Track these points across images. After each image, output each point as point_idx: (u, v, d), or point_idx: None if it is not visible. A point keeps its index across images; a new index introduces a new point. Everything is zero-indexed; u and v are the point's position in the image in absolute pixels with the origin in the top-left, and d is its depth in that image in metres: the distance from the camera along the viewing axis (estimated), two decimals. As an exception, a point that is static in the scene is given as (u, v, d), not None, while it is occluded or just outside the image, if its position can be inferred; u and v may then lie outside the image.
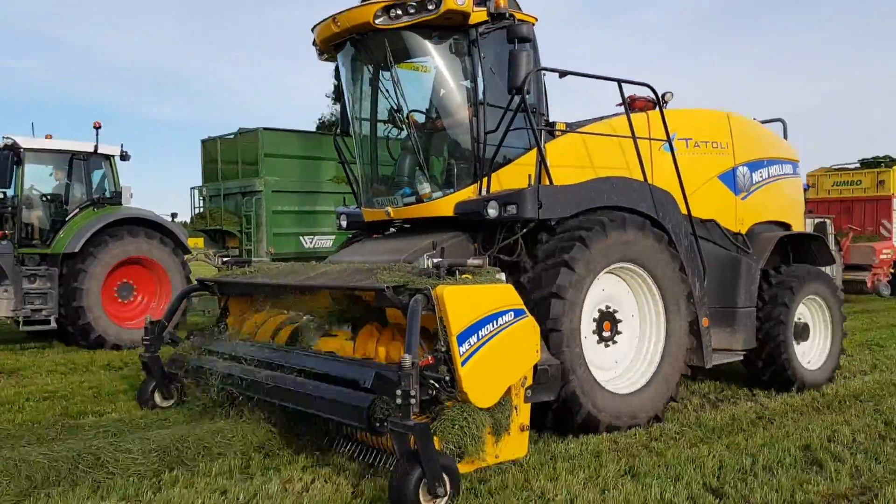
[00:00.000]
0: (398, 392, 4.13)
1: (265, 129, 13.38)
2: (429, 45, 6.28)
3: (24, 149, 10.72)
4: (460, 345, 4.52)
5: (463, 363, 4.49)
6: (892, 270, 17.42)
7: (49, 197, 11.30)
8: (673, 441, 5.69)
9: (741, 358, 7.19)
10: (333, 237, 13.56)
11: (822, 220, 9.25)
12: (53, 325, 10.46)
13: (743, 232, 7.55)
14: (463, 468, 4.55)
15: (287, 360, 5.53)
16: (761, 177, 7.83)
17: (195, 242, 14.04)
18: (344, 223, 7.45)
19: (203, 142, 14.69)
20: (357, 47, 6.52)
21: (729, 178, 7.49)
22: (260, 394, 5.48)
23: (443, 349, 4.53)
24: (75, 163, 11.14)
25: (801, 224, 8.56)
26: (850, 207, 18.17)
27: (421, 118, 6.73)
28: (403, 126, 6.56)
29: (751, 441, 5.64)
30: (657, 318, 6.29)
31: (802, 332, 7.61)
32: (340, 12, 6.27)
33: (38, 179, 11.30)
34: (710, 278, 6.98)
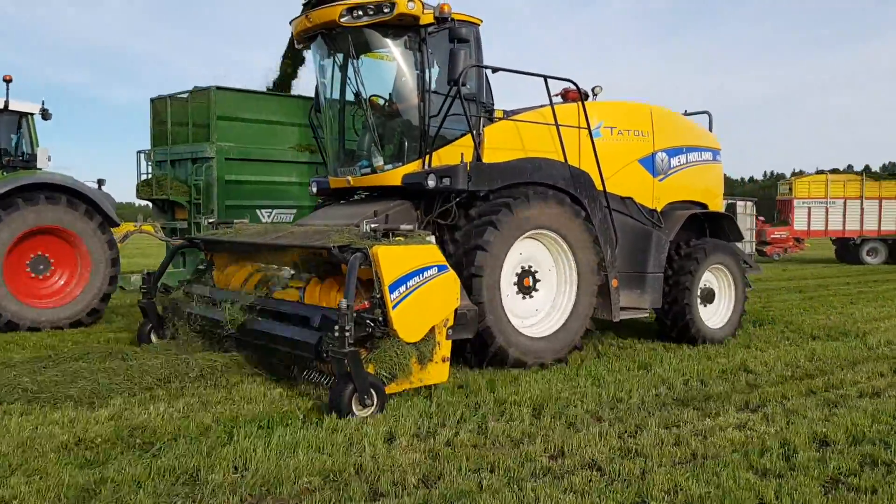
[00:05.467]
0: (336, 327, 5.34)
1: (218, 87, 11.89)
2: (386, 41, 7.39)
3: None
4: (391, 293, 5.72)
5: (393, 307, 5.69)
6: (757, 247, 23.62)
7: None
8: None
9: (646, 315, 8.43)
10: (294, 211, 12.45)
11: (733, 201, 10.42)
12: None
13: (659, 209, 8.72)
14: (395, 388, 5.80)
15: (257, 304, 6.76)
16: (679, 162, 8.98)
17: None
18: (314, 189, 8.61)
19: (152, 101, 13.07)
20: (326, 40, 7.62)
21: (648, 161, 8.65)
22: (237, 333, 6.72)
23: (377, 296, 5.73)
24: None
25: (719, 205, 9.73)
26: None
27: (381, 101, 7.86)
28: (364, 107, 7.67)
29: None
30: (570, 277, 7.50)
31: (708, 296, 8.84)
32: (312, 10, 7.37)
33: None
34: (624, 247, 8.19)
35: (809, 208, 26.72)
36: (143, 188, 12.61)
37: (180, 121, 12.52)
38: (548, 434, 5.08)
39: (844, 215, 26.46)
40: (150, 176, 12.70)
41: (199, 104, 12.19)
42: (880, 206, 26.42)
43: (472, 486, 4.10)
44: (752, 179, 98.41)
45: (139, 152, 12.95)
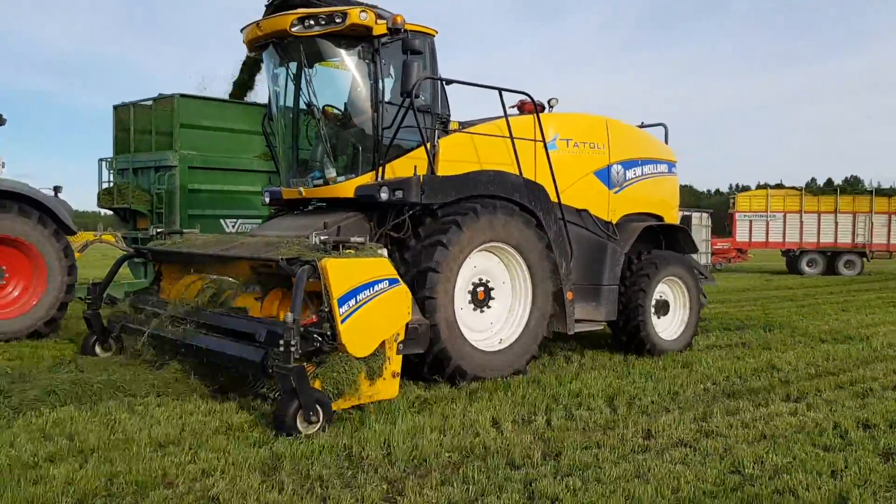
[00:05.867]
0: (281, 342, 5.22)
1: (182, 95, 11.85)
2: (338, 51, 7.30)
3: None
4: (340, 307, 5.60)
5: (342, 321, 5.58)
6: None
7: None
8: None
9: (601, 327, 8.44)
10: (260, 221, 11.62)
11: (688, 213, 10.53)
12: None
13: (614, 221, 8.75)
14: (342, 404, 5.69)
15: (204, 319, 6.59)
16: (635, 174, 9.04)
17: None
18: (267, 199, 8.46)
19: (116, 108, 12.94)
20: (277, 49, 7.50)
21: (604, 174, 8.68)
22: (181, 348, 6.55)
23: (326, 310, 5.62)
24: None
25: (674, 217, 9.81)
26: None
27: (334, 111, 7.76)
28: (317, 118, 7.56)
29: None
30: (525, 291, 7.47)
31: (663, 308, 8.88)
32: (263, 19, 7.25)
33: None
34: (579, 259, 8.19)
35: (751, 221, 29.03)
36: (104, 197, 12.36)
37: (144, 128, 12.32)
38: (630, 420, 5.84)
39: (784, 228, 28.50)
40: (111, 184, 12.58)
41: (162, 112, 12.02)
42: (819, 219, 28.23)
43: (591, 459, 4.86)
44: (717, 191, 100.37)
45: (101, 160, 12.77)
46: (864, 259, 28.14)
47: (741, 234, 29.31)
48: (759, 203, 29.22)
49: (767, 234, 28.79)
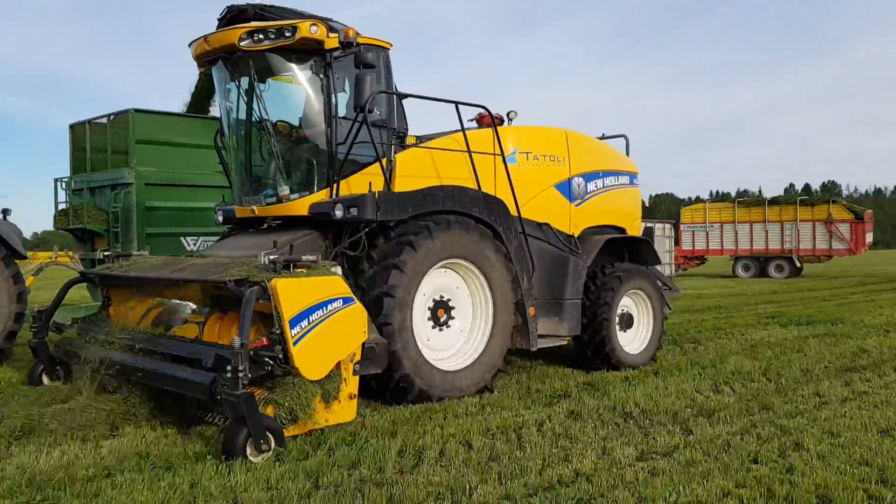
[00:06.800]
0: (228, 367, 4.97)
1: (137, 110, 11.47)
2: (289, 66, 7.11)
3: None
4: (292, 328, 5.38)
5: (295, 343, 5.36)
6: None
7: None
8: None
9: (565, 342, 8.31)
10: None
11: (651, 224, 10.49)
12: None
13: (576, 234, 8.63)
14: (297, 430, 5.46)
15: (150, 344, 6.30)
16: (596, 186, 8.96)
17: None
18: (220, 218, 8.20)
19: (72, 127, 12.66)
20: (227, 64, 7.29)
21: (564, 187, 8.58)
22: (128, 374, 6.24)
23: (277, 332, 5.39)
24: None
25: (637, 228, 9.74)
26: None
27: (287, 127, 7.56)
28: (270, 134, 7.35)
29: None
30: (486, 308, 7.30)
31: (627, 321, 8.78)
32: (211, 33, 7.04)
33: None
34: (541, 273, 8.06)
35: (693, 231, 32.61)
36: (60, 218, 12.10)
37: (100, 147, 12.02)
38: (794, 387, 7.18)
39: (722, 237, 31.83)
40: (68, 205, 12.29)
41: (118, 129, 11.71)
42: (751, 228, 31.23)
43: (796, 409, 6.29)
44: (697, 198, 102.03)
45: (56, 180, 12.47)
46: (794, 264, 30.49)
47: (686, 243, 32.55)
48: (699, 215, 32.68)
49: (707, 242, 32.22)
